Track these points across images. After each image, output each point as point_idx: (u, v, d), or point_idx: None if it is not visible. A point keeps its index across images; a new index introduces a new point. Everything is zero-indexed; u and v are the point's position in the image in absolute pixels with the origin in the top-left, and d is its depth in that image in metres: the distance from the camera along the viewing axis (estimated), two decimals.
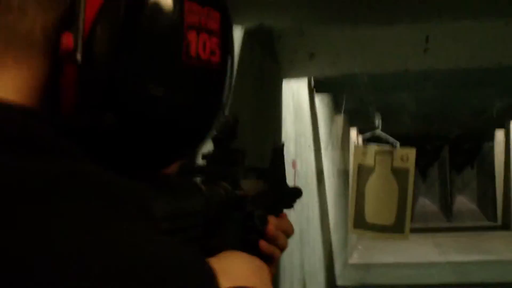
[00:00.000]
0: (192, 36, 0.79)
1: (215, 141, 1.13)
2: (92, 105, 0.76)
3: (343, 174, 12.68)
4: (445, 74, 9.01)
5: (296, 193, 1.44)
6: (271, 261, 1.18)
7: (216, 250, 1.01)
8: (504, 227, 19.99)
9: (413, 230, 9.15)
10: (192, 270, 0.68)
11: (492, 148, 22.19)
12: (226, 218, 1.08)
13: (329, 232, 10.22)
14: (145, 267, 0.62)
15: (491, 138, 21.35)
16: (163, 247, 0.66)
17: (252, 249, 1.12)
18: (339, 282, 11.35)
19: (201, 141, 0.86)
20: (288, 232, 1.25)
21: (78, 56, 0.73)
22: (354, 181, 8.94)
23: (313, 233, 8.45)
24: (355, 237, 15.17)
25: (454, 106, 12.88)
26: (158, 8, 0.77)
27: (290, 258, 6.58)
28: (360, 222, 8.80)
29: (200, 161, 1.12)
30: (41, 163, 0.67)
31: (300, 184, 7.14)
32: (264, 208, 1.21)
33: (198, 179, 1.07)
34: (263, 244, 1.16)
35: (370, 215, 8.74)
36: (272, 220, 1.20)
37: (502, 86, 10.44)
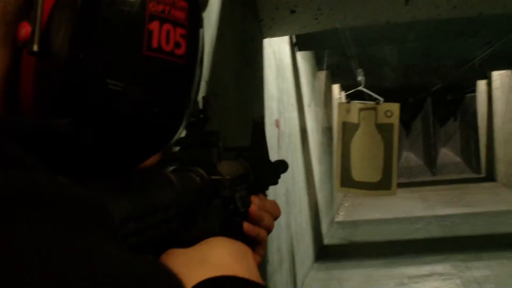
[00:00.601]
0: (154, 26, 0.73)
1: (188, 125, 1.06)
2: (49, 98, 0.70)
3: (327, 131, 12.64)
4: (426, 26, 8.98)
5: (281, 167, 1.37)
6: (258, 243, 1.13)
7: (196, 240, 0.95)
8: (488, 178, 20.12)
9: (399, 185, 9.13)
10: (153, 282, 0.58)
11: (474, 99, 22.23)
12: (204, 205, 1.01)
13: (314, 191, 10.19)
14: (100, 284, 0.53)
15: (474, 89, 21.38)
16: (121, 262, 0.57)
17: (236, 233, 1.07)
18: (326, 240, 11.37)
19: (169, 137, 0.80)
20: (274, 213, 1.21)
21: (35, 47, 0.68)
22: (338, 139, 8.90)
23: (299, 193, 8.40)
24: (341, 195, 15.21)
25: (436, 58, 12.89)
26: None
27: (276, 220, 6.51)
28: (346, 181, 8.79)
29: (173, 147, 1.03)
30: None
31: (284, 143, 7.09)
32: (246, 189, 1.15)
33: (169, 168, 0.97)
34: (247, 226, 1.11)
35: (356, 173, 8.73)
36: (255, 201, 1.15)
37: (484, 37, 10.45)
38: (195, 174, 0.99)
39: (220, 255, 0.91)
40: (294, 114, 8.32)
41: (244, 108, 5.25)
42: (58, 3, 0.70)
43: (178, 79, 0.77)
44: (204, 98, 1.06)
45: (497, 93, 18.17)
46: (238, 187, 1.08)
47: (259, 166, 1.26)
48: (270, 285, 5.94)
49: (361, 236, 11.82)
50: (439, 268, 8.67)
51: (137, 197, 0.79)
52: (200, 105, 1.06)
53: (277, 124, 6.80)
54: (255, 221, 1.13)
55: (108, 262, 0.55)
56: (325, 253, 10.33)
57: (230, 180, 1.04)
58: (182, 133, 1.01)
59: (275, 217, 1.21)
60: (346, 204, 16.02)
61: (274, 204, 1.23)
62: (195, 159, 1.02)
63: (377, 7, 6.71)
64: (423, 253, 9.61)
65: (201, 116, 1.06)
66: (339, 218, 14.25)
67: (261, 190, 1.26)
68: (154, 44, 0.73)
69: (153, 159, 0.85)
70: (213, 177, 1.02)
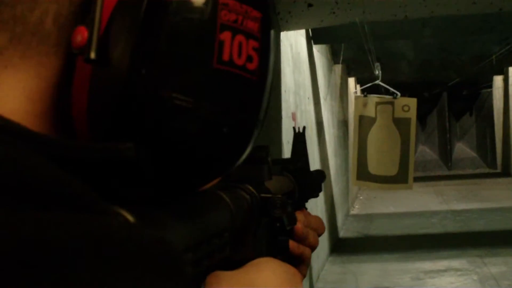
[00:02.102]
0: (226, 37, 0.66)
1: None
2: (106, 115, 0.63)
3: (343, 124, 12.62)
4: (444, 21, 8.94)
5: (321, 177, 1.33)
6: (302, 262, 1.07)
7: (244, 261, 0.89)
8: (504, 174, 20.03)
9: (414, 179, 9.12)
10: None
11: (490, 95, 22.13)
12: (254, 225, 0.96)
13: (330, 184, 10.18)
14: None
15: (490, 84, 21.27)
16: None
17: (281, 252, 1.02)
18: (341, 233, 11.36)
19: (237, 159, 0.73)
20: (319, 229, 1.13)
21: (92, 54, 0.61)
22: (355, 132, 8.89)
23: None
24: (356, 188, 15.18)
25: (453, 53, 12.82)
26: (186, 2, 0.64)
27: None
28: (363, 174, 8.78)
29: None
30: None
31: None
32: (292, 205, 1.08)
33: (219, 185, 0.93)
34: (292, 245, 1.05)
35: (373, 166, 8.72)
36: (300, 218, 1.08)
37: (502, 32, 10.38)
38: (245, 192, 0.93)
39: (269, 279, 0.86)
40: (310, 107, 8.31)
41: None
42: (119, 7, 0.63)
43: (249, 96, 0.70)
44: None
45: None
46: (286, 204, 1.01)
47: (303, 179, 1.20)
48: None
49: (376, 229, 11.80)
50: (455, 263, 8.64)
51: (194, 223, 0.73)
52: None
53: (294, 117, 6.79)
54: (301, 239, 1.06)
55: None
56: (340, 246, 10.31)
57: (282, 199, 0.98)
58: None
59: (320, 233, 1.14)
60: (361, 198, 15.99)
61: (319, 220, 1.16)
62: (243, 176, 0.96)
63: (396, 2, 6.68)
64: (438, 248, 9.58)
65: None
66: (354, 211, 14.22)
67: (303, 203, 1.21)
68: (225, 56, 0.66)
69: (214, 182, 0.77)
70: (263, 195, 0.97)
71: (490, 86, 21.49)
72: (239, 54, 0.67)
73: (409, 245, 10.05)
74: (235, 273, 0.84)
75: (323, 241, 9.10)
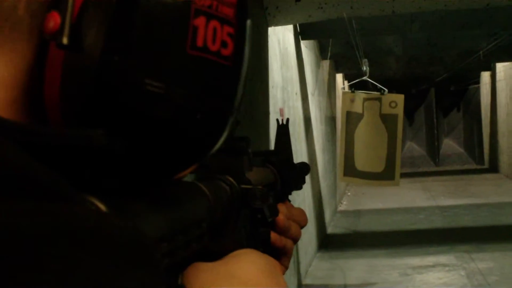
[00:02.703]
0: (200, 22, 0.65)
1: None
2: (79, 102, 0.62)
3: (331, 120, 12.62)
4: (432, 16, 8.96)
5: (305, 169, 1.31)
6: (284, 254, 1.06)
7: (224, 252, 0.87)
8: (491, 169, 20.11)
9: (402, 175, 9.15)
10: None
11: (478, 91, 22.20)
12: (234, 216, 0.94)
13: (318, 180, 10.17)
14: None
15: (477, 80, 21.34)
16: None
17: (263, 244, 1.00)
18: (329, 230, 11.37)
19: (211, 146, 0.72)
20: (301, 221, 1.12)
21: (65, 39, 0.59)
22: (342, 128, 8.89)
23: None
24: (344, 184, 15.20)
25: (440, 48, 12.86)
26: None
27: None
28: (349, 170, 8.79)
29: None
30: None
31: None
32: (273, 197, 1.06)
33: (198, 177, 0.91)
34: (274, 236, 1.04)
35: (360, 162, 8.72)
36: (282, 210, 1.07)
37: (489, 28, 10.41)
38: (225, 183, 0.92)
39: (249, 270, 0.84)
40: (298, 103, 8.30)
41: (250, 97, 5.23)
42: None
43: (223, 82, 0.69)
44: None
45: (501, 85, 18.14)
46: (267, 195, 0.99)
47: (286, 171, 1.19)
48: None
49: (364, 225, 11.82)
50: (443, 259, 8.66)
51: (170, 213, 0.71)
52: None
53: (281, 112, 6.78)
54: (282, 231, 1.05)
55: None
56: (329, 242, 10.32)
57: (262, 190, 0.96)
58: None
59: (302, 225, 1.13)
60: (349, 194, 16.02)
61: (301, 212, 1.15)
62: (223, 167, 0.95)
63: None
64: (426, 244, 9.60)
65: None
66: (342, 207, 14.24)
67: (286, 196, 1.19)
68: (199, 42, 0.65)
69: (189, 170, 0.76)
70: (243, 186, 0.95)
71: (478, 82, 21.56)
72: (214, 40, 0.66)
73: (397, 241, 10.07)
74: (215, 264, 0.83)
75: (311, 237, 9.10)
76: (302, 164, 1.32)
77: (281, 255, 1.05)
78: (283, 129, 1.28)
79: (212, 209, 0.82)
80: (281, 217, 1.04)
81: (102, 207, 0.57)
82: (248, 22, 0.72)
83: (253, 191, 0.95)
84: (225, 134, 0.72)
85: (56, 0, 0.61)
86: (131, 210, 0.64)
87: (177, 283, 0.75)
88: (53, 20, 0.60)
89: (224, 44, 0.67)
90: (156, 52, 0.63)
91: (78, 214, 0.53)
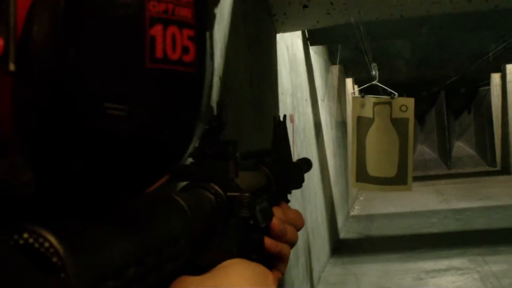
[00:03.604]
0: (157, 31, 0.60)
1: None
2: (34, 130, 0.57)
3: (341, 125, 12.60)
4: (441, 19, 8.92)
5: (305, 166, 1.27)
6: (280, 260, 1.01)
7: (212, 264, 0.85)
8: (504, 171, 20.02)
9: (414, 179, 9.11)
10: None
11: (488, 92, 22.12)
12: (220, 226, 0.89)
13: (329, 185, 10.15)
14: None
15: (488, 82, 21.27)
16: None
17: (257, 251, 0.96)
18: (342, 235, 11.33)
19: (181, 155, 0.67)
20: (297, 224, 1.07)
21: (11, 66, 0.54)
22: (353, 134, 8.87)
23: (314, 188, 8.36)
24: (355, 189, 15.16)
25: (450, 51, 12.81)
26: None
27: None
28: (362, 176, 8.76)
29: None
30: None
31: (298, 138, 7.05)
32: (268, 199, 1.03)
33: (180, 185, 0.87)
34: (268, 242, 0.99)
35: (372, 168, 8.70)
36: (277, 213, 1.02)
37: (498, 30, 10.38)
38: (209, 192, 0.87)
39: (237, 282, 0.82)
40: (308, 109, 8.29)
41: (259, 103, 5.23)
42: (35, 7, 0.56)
43: (188, 90, 0.64)
44: (218, 104, 0.93)
45: (511, 86, 18.07)
46: (258, 199, 0.97)
47: (282, 171, 1.14)
48: (287, 281, 5.92)
49: (376, 230, 11.78)
50: (456, 262, 8.62)
51: (137, 234, 0.65)
52: (215, 111, 0.93)
53: (292, 119, 6.77)
54: (278, 236, 1.00)
55: None
56: (341, 248, 10.29)
57: (249, 197, 0.91)
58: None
59: (298, 228, 1.07)
60: (361, 198, 15.97)
61: (298, 214, 1.09)
62: (209, 174, 0.90)
63: (391, 1, 6.67)
64: (439, 247, 9.55)
65: (216, 123, 0.93)
66: (355, 212, 14.20)
67: (284, 195, 1.15)
68: (158, 53, 0.60)
69: (162, 180, 0.70)
70: (230, 194, 0.90)
71: (488, 84, 21.49)
72: (174, 48, 0.62)
73: (410, 245, 10.03)
74: (201, 278, 0.80)
75: (324, 243, 9.08)
76: (303, 160, 1.28)
77: (277, 261, 1.00)
78: (280, 126, 1.23)
79: (191, 224, 0.77)
80: (275, 222, 1.00)
81: (52, 239, 0.52)
82: (209, 18, 0.67)
83: (239, 199, 0.91)
84: (194, 142, 0.68)
85: None
86: (90, 235, 0.59)
87: None
88: None
89: (185, 50, 0.63)
90: (113, 73, 0.58)
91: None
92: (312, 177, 8.25)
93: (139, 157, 0.62)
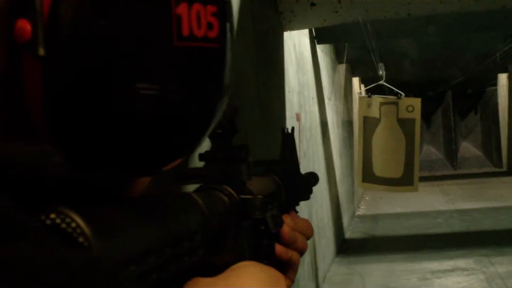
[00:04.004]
0: (182, 10, 0.61)
1: (214, 138, 0.94)
2: (66, 111, 0.58)
3: (347, 125, 12.59)
4: (448, 18, 8.91)
5: (312, 179, 1.27)
6: (290, 267, 1.01)
7: (224, 266, 0.85)
8: (510, 172, 20.00)
9: (420, 179, 9.09)
10: None
11: (495, 93, 22.09)
12: (233, 228, 0.90)
13: (335, 185, 10.14)
14: None
15: (494, 82, 21.23)
16: None
17: (267, 257, 0.96)
18: (347, 234, 11.33)
19: (206, 131, 0.69)
20: (307, 232, 1.07)
21: (41, 51, 0.55)
22: (360, 134, 8.85)
23: (320, 187, 8.35)
24: (361, 189, 15.16)
25: (457, 51, 12.80)
26: None
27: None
28: (368, 176, 8.75)
29: (198, 163, 0.94)
30: None
31: (304, 137, 7.04)
32: (278, 207, 1.03)
33: (195, 187, 0.87)
34: (279, 249, 0.99)
35: (378, 168, 8.68)
36: (287, 221, 1.03)
37: (505, 30, 10.36)
38: (222, 194, 0.88)
39: (249, 284, 0.81)
40: (315, 108, 8.28)
41: (266, 102, 5.22)
42: None
43: (213, 66, 0.66)
44: (231, 107, 0.92)
45: None
46: (269, 206, 0.96)
47: (291, 181, 1.15)
48: None
49: (382, 230, 11.77)
50: (461, 263, 8.60)
51: (158, 224, 0.67)
52: (227, 115, 0.93)
53: (298, 118, 6.76)
54: (288, 243, 1.00)
55: None
56: (347, 247, 10.29)
57: (262, 200, 0.92)
58: (207, 147, 0.93)
59: (308, 237, 1.07)
60: (367, 198, 15.97)
61: (307, 223, 1.10)
62: (222, 176, 0.91)
63: (398, 0, 6.67)
64: (445, 248, 9.54)
65: (228, 128, 0.94)
66: (360, 212, 14.20)
67: (292, 206, 1.15)
68: (185, 31, 0.62)
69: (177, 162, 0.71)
70: (243, 196, 0.91)
71: (495, 84, 21.45)
72: (199, 25, 0.63)
73: (415, 245, 10.01)
74: (214, 280, 0.80)
75: (329, 242, 9.07)
76: (310, 174, 1.28)
77: (286, 268, 1.00)
78: (289, 138, 1.23)
79: (207, 221, 0.79)
80: (286, 229, 1.00)
81: (79, 220, 0.53)
82: None
83: (252, 201, 0.92)
84: (218, 116, 0.70)
85: (20, 5, 0.56)
86: (115, 219, 0.61)
87: None
88: (23, 28, 0.55)
89: (210, 26, 0.64)
90: (143, 53, 0.59)
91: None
92: (318, 177, 8.23)
93: (168, 134, 0.64)
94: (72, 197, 0.56)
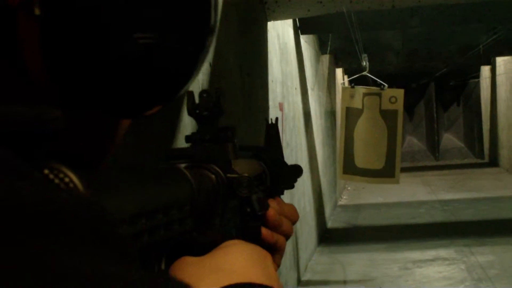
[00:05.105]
0: None
1: (200, 120, 0.96)
2: (64, 66, 0.59)
3: (330, 115, 12.61)
4: (432, 10, 8.94)
5: (297, 171, 1.30)
6: (276, 251, 1.01)
7: (212, 245, 0.86)
8: (491, 164, 20.09)
9: (402, 170, 9.13)
10: None
11: (478, 85, 22.18)
12: (220, 206, 0.92)
13: (318, 174, 10.17)
14: None
15: (477, 74, 21.31)
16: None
17: (253, 239, 0.97)
18: (329, 224, 11.36)
19: (195, 69, 0.71)
20: (292, 217, 1.08)
21: (36, 10, 0.56)
22: (342, 125, 8.84)
23: (302, 177, 8.33)
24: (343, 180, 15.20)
25: (440, 43, 12.84)
26: None
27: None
28: (349, 168, 8.74)
29: (185, 144, 0.96)
30: None
31: (287, 126, 7.06)
32: (263, 191, 1.05)
33: (183, 165, 0.89)
34: (265, 232, 0.99)
35: (359, 159, 8.67)
36: (273, 205, 1.03)
37: (489, 22, 10.39)
38: (209, 172, 0.90)
39: (236, 261, 0.82)
40: (298, 98, 8.29)
41: (249, 91, 5.23)
42: None
43: (201, 13, 0.68)
44: (217, 89, 0.96)
45: (500, 79, 18.12)
46: (255, 187, 0.98)
47: (276, 168, 1.16)
48: None
49: (364, 220, 11.81)
50: (443, 253, 8.66)
51: (150, 192, 0.70)
52: (214, 97, 0.95)
53: (281, 107, 6.78)
54: (273, 227, 1.00)
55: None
56: (329, 237, 10.31)
57: (248, 178, 0.93)
58: (194, 129, 0.95)
59: (294, 221, 1.07)
60: (349, 188, 16.00)
61: (292, 207, 1.10)
62: (208, 156, 0.93)
63: None
64: (426, 238, 9.59)
65: (215, 110, 0.95)
66: (342, 201, 14.23)
67: (277, 193, 1.15)
68: None
69: (154, 111, 0.73)
70: (229, 175, 0.93)
71: (478, 76, 21.53)
72: None
73: (397, 235, 10.06)
74: (202, 258, 0.81)
75: (312, 232, 9.10)
76: (295, 166, 1.31)
77: (273, 251, 1.00)
78: (272, 129, 1.25)
79: (195, 194, 0.81)
80: (271, 212, 1.01)
81: (72, 175, 0.54)
82: None
83: (239, 179, 0.93)
84: (205, 54, 0.71)
85: None
86: (108, 180, 0.62)
87: (160, 268, 0.75)
88: None
89: None
90: (138, 4, 0.61)
91: (23, 188, 0.48)
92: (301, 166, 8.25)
93: (159, 74, 0.65)
94: (68, 160, 0.57)
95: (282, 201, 1.11)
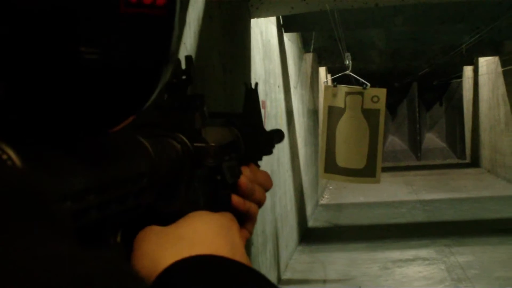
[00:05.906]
0: None
1: (169, 88, 0.94)
2: (8, 67, 0.58)
3: (313, 114, 12.61)
4: (415, 9, 8.96)
5: (276, 136, 1.27)
6: (248, 218, 1.00)
7: (178, 215, 0.84)
8: (473, 164, 20.17)
9: (384, 169, 9.14)
10: None
11: (460, 85, 22.26)
12: (186, 175, 0.90)
13: (299, 173, 10.16)
14: None
15: (460, 74, 21.39)
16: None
17: (224, 207, 0.95)
18: (310, 223, 11.36)
19: (147, 99, 0.69)
20: (266, 184, 1.06)
21: None
22: (324, 124, 8.83)
23: (284, 175, 8.36)
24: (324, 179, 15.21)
25: (424, 42, 12.87)
26: None
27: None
28: (330, 167, 8.73)
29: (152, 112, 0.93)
30: None
31: (270, 124, 7.04)
32: (236, 159, 1.04)
33: (144, 135, 0.87)
34: (236, 199, 0.98)
35: (341, 158, 8.67)
36: (245, 172, 1.03)
37: (472, 22, 10.43)
38: (175, 141, 0.88)
39: (199, 231, 0.81)
40: (281, 96, 8.28)
41: (231, 89, 5.21)
42: None
43: (160, 34, 0.66)
44: (187, 57, 0.94)
45: (483, 79, 18.19)
46: (226, 156, 0.97)
47: (251, 134, 1.14)
48: (254, 267, 5.90)
49: (345, 219, 11.82)
50: (423, 252, 8.67)
51: (100, 166, 0.67)
52: (183, 65, 0.94)
53: (263, 105, 6.76)
54: (245, 194, 0.99)
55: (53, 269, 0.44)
56: (309, 236, 10.31)
57: (216, 148, 0.92)
58: (163, 96, 0.93)
59: (267, 189, 1.06)
60: (331, 187, 16.02)
61: (266, 175, 1.09)
62: (176, 125, 0.91)
63: None
64: (407, 238, 9.61)
65: (184, 77, 0.94)
66: (324, 201, 14.25)
67: (254, 160, 1.13)
68: None
69: (127, 122, 0.73)
70: (196, 144, 0.91)
71: (460, 76, 21.62)
72: None
73: (377, 234, 10.07)
74: (166, 228, 0.81)
75: (292, 231, 9.10)
76: (275, 131, 1.28)
77: (245, 219, 0.99)
78: (251, 94, 1.22)
79: (155, 164, 0.79)
80: (244, 179, 1.00)
81: (10, 152, 0.53)
82: None
83: (206, 149, 0.91)
84: (161, 84, 0.69)
85: None
86: (49, 157, 0.60)
87: (114, 241, 0.73)
88: None
89: None
90: (89, 17, 0.59)
91: None
92: (283, 164, 8.25)
93: (109, 97, 0.64)
94: (12, 135, 0.56)
95: (256, 168, 1.10)
